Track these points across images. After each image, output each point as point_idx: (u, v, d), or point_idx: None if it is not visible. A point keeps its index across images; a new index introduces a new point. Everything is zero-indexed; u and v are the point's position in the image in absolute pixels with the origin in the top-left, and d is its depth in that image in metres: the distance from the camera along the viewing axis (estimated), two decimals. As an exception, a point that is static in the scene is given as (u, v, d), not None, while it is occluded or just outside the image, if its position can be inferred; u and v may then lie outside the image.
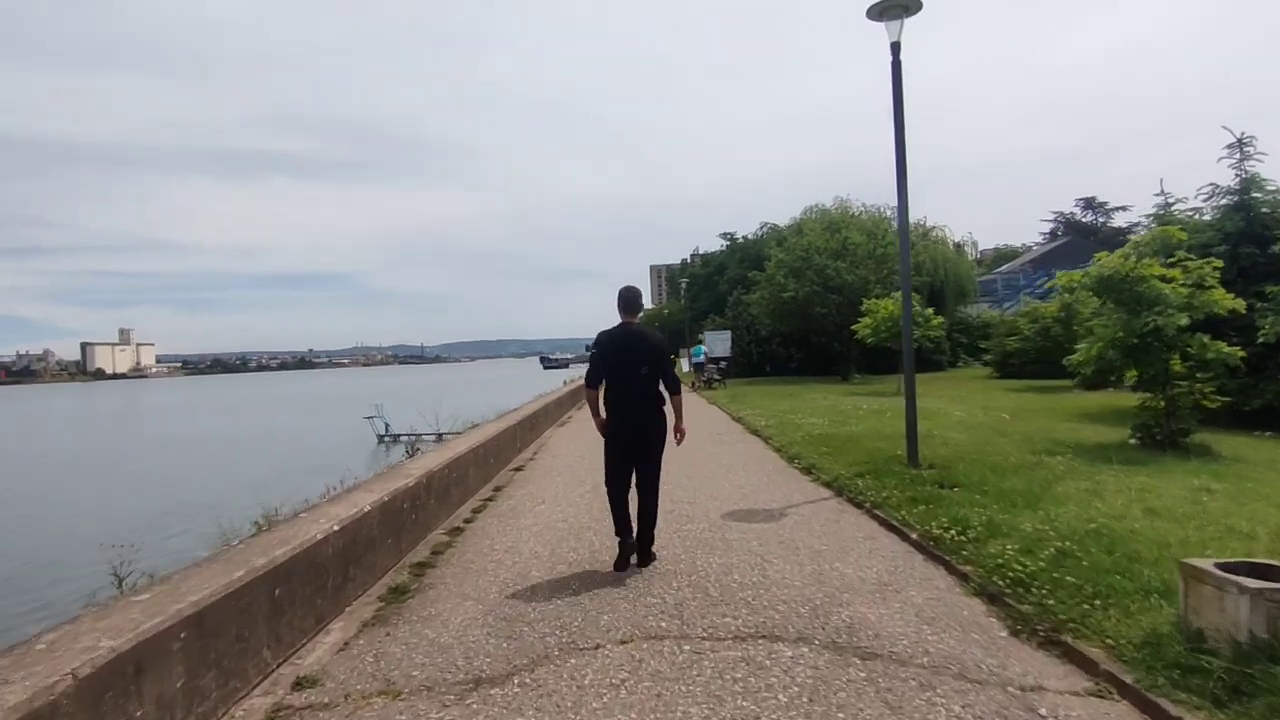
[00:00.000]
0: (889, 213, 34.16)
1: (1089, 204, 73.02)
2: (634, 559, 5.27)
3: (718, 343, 34.27)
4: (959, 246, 39.43)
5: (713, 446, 11.65)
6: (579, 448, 12.23)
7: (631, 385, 5.21)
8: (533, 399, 18.92)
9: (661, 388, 5.29)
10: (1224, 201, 13.60)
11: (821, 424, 12.77)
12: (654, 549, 5.41)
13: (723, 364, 27.81)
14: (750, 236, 45.37)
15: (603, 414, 5.39)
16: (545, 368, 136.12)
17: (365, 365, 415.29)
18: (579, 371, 50.95)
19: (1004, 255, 72.29)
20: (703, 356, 27.93)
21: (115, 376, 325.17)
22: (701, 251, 62.89)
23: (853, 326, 22.06)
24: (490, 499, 8.57)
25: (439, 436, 33.57)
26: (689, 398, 23.45)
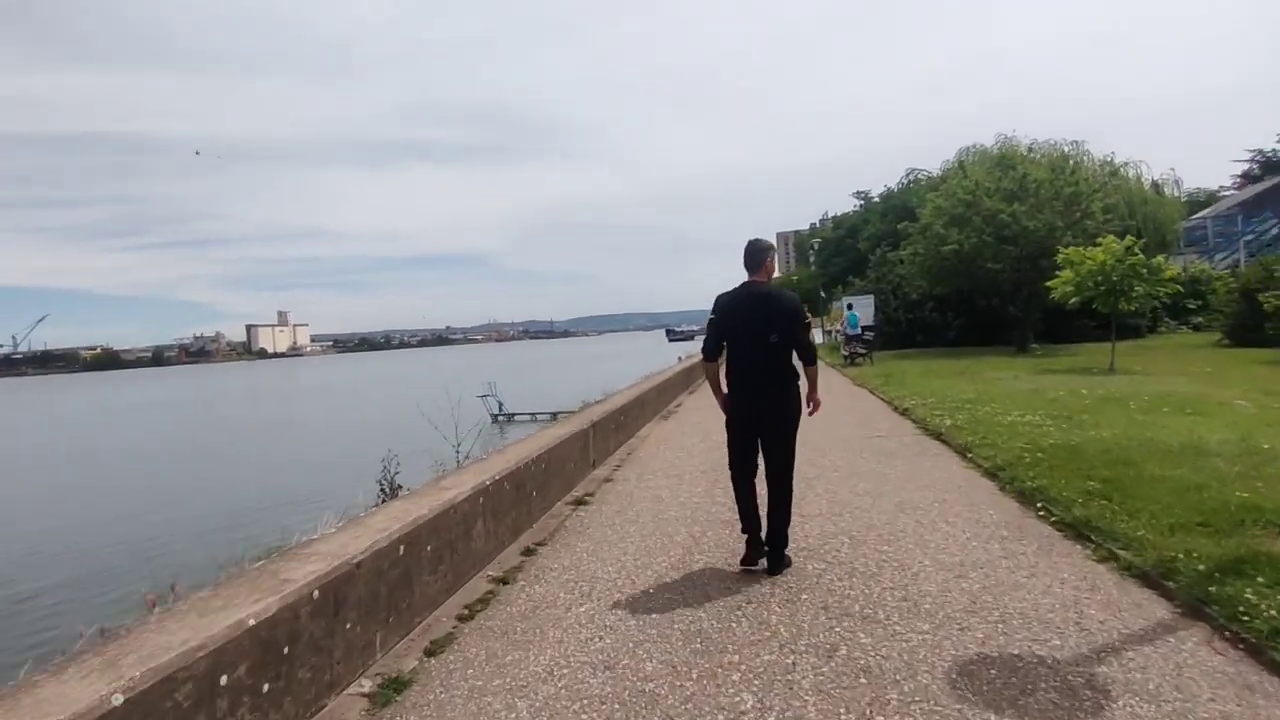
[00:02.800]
0: (1067, 149, 28.10)
1: None
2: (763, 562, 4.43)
3: (859, 309, 29.52)
4: (1157, 186, 32.48)
5: (876, 462, 7.63)
6: (678, 464, 8.51)
7: (758, 356, 4.37)
8: (631, 383, 15.37)
9: (795, 359, 4.40)
10: None
11: (1040, 422, 8.46)
12: (788, 551, 4.52)
13: (868, 335, 23.19)
14: (893, 188, 39.59)
15: (724, 389, 4.61)
16: (670, 340, 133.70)
17: (498, 341, 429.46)
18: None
19: (1197, 201, 62.17)
20: (858, 326, 23.29)
21: (275, 355, 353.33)
22: (831, 215, 57.22)
23: (1047, 284, 17.00)
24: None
25: (554, 416, 31.81)
26: (828, 376, 19.34)
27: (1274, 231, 33.92)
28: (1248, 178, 60.47)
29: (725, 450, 4.65)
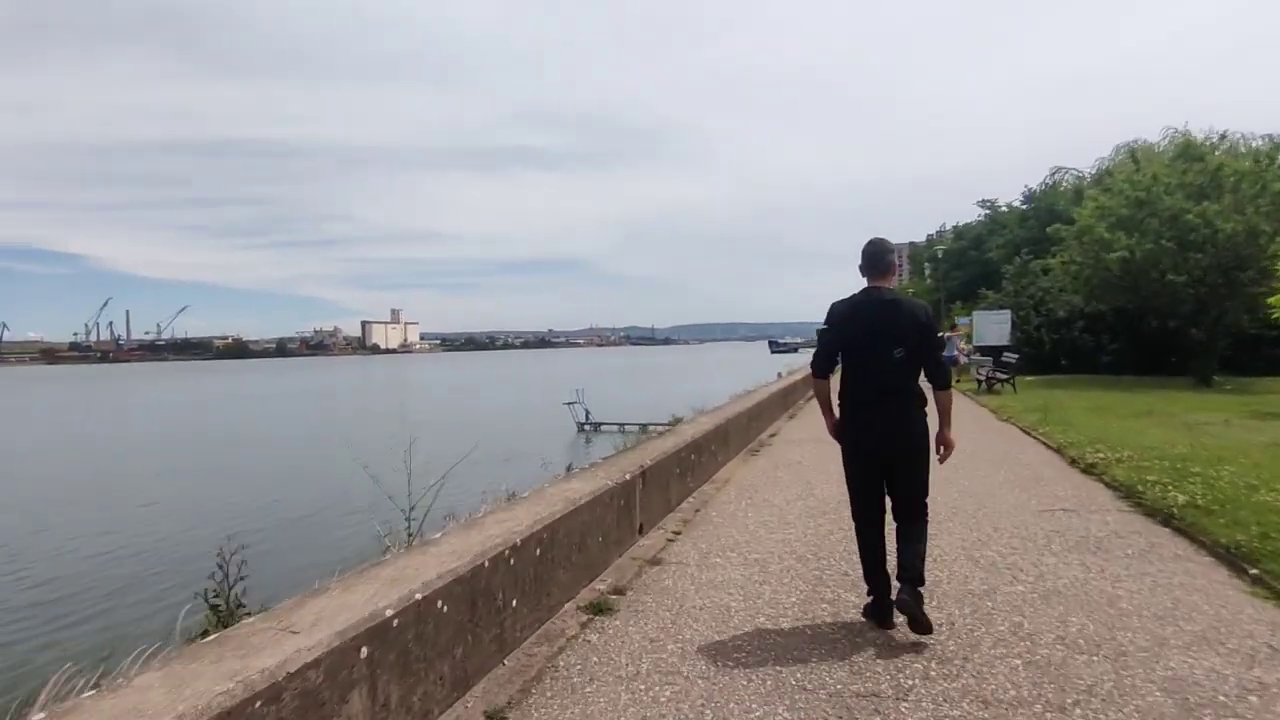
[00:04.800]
0: (1257, 144, 23.23)
1: None
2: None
3: (991, 326, 25.62)
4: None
5: (1081, 568, 4.59)
6: (764, 537, 5.77)
7: (881, 373, 3.73)
8: (717, 404, 12.70)
9: (923, 379, 3.78)
10: None
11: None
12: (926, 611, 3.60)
13: (1009, 357, 19.45)
14: (1034, 188, 34.77)
15: (836, 412, 3.98)
16: (773, 352, 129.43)
17: (599, 345, 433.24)
18: (807, 357, 44.08)
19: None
20: (957, 350, 19.53)
21: (387, 351, 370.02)
22: (950, 225, 52.48)
23: (1270, 300, 13.16)
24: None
25: (643, 428, 29.87)
26: (960, 405, 15.96)
27: None
28: None
29: (833, 515, 4.41)
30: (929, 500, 3.90)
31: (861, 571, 3.96)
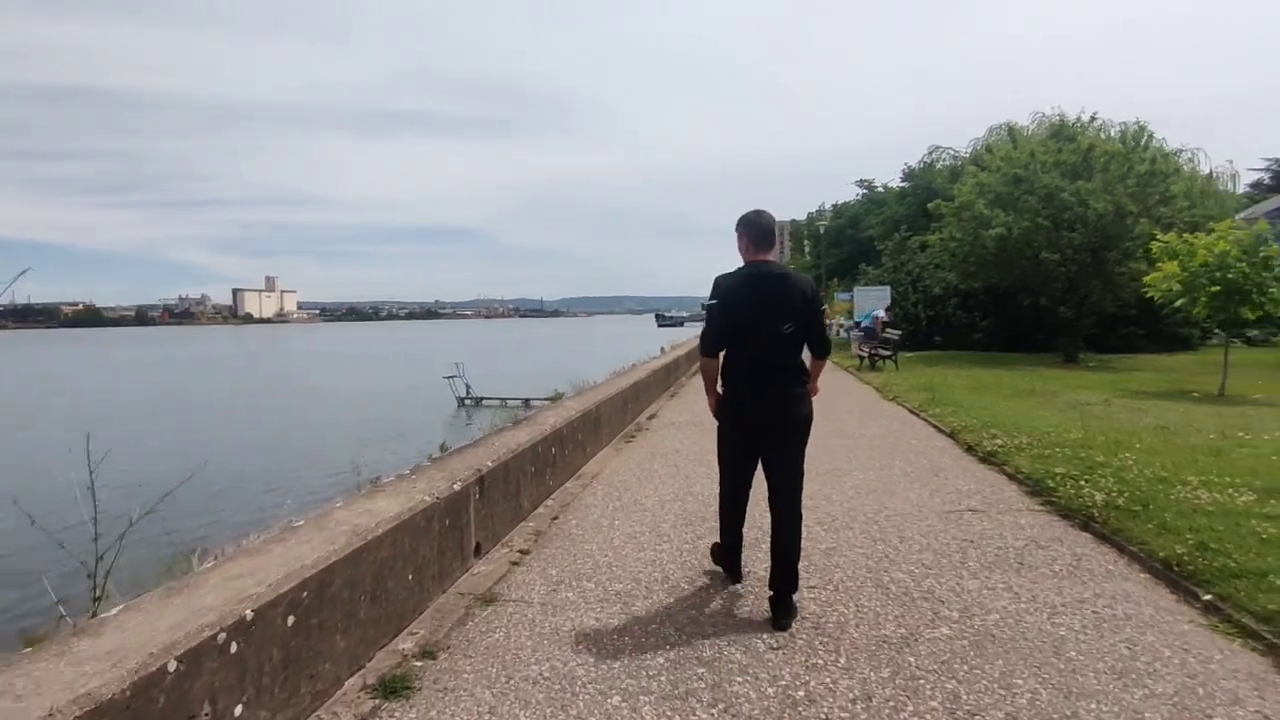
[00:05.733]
0: (1114, 131, 24.12)
1: None
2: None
3: (871, 302, 25.72)
4: (1213, 178, 28.75)
5: (1010, 596, 3.78)
6: (633, 555, 4.65)
7: (769, 349, 3.64)
8: (588, 385, 11.62)
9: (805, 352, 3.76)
10: None
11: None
12: (795, 597, 3.64)
13: (892, 333, 19.30)
14: (914, 165, 35.38)
15: (720, 389, 3.86)
16: (660, 325, 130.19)
17: (487, 317, 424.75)
18: (694, 331, 44.41)
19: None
20: (873, 320, 19.38)
21: (261, 321, 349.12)
22: (830, 204, 53.48)
23: (1147, 280, 13.21)
24: None
25: (526, 403, 28.71)
26: (847, 386, 15.54)
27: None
28: (1259, 187, 57.98)
29: (712, 523, 4.07)
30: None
31: (720, 538, 4.06)
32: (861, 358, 18.87)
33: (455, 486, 4.27)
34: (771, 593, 3.63)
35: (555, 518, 5.55)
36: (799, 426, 3.70)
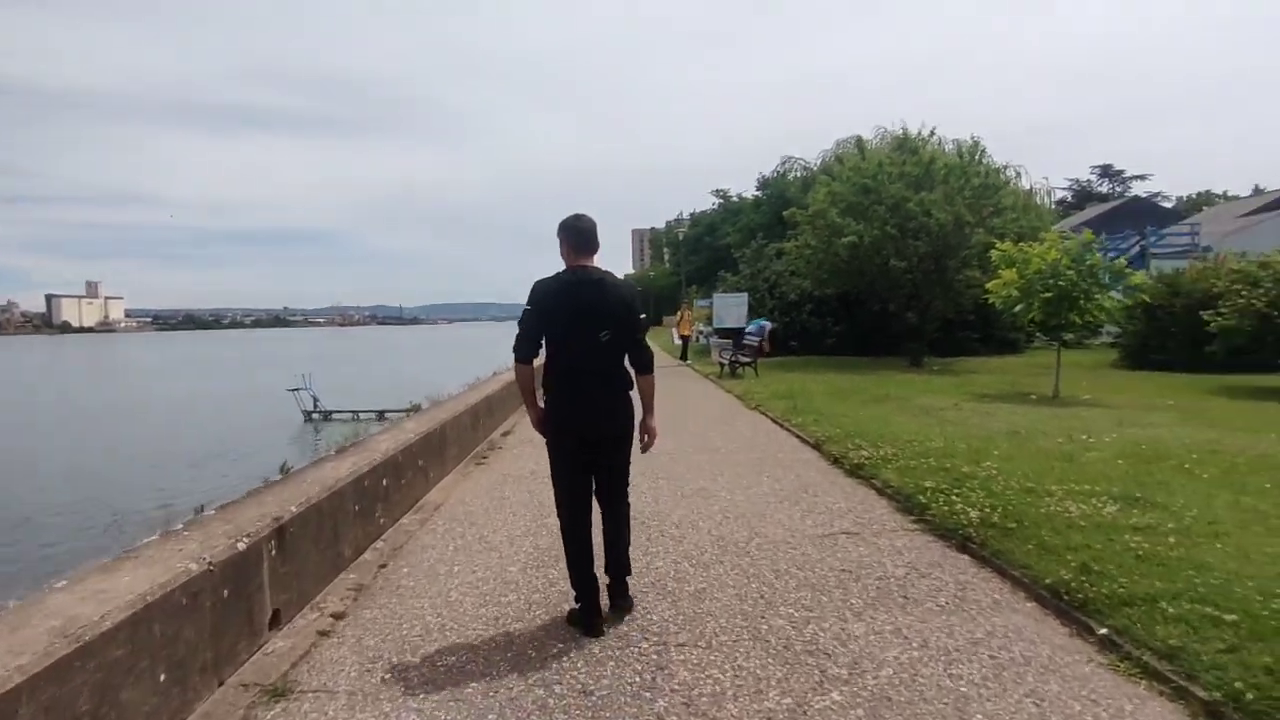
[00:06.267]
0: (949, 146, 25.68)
1: (1105, 172, 72.50)
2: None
3: (730, 308, 25.99)
4: (1032, 193, 31.16)
5: (900, 643, 3.34)
6: (474, 633, 3.88)
7: (587, 357, 3.60)
8: (428, 405, 10.69)
9: (627, 362, 3.72)
10: None
11: (1153, 524, 4.61)
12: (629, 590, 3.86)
13: (751, 339, 19.38)
14: (770, 175, 36.33)
15: (540, 402, 3.80)
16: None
17: (341, 325, 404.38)
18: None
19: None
20: (762, 329, 19.38)
21: (82, 330, 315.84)
22: (688, 213, 54.55)
23: (989, 286, 13.75)
24: None
25: (380, 415, 27.02)
26: (706, 392, 15.39)
27: (1135, 250, 33.70)
28: (1063, 204, 64.83)
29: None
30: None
31: (570, 578, 3.71)
32: (722, 365, 18.82)
33: (240, 545, 3.38)
34: (608, 579, 3.78)
35: (383, 565, 4.70)
36: (620, 435, 3.71)
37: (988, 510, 5.00)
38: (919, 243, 18.56)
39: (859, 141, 22.54)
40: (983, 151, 20.33)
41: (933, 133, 21.10)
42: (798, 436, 9.27)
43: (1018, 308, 12.90)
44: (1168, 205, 65.15)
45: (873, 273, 19.70)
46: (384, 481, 5.49)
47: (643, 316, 3.82)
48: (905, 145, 20.80)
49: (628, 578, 3.89)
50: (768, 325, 20.89)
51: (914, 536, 4.99)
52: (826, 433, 8.74)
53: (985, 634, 3.44)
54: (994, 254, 13.61)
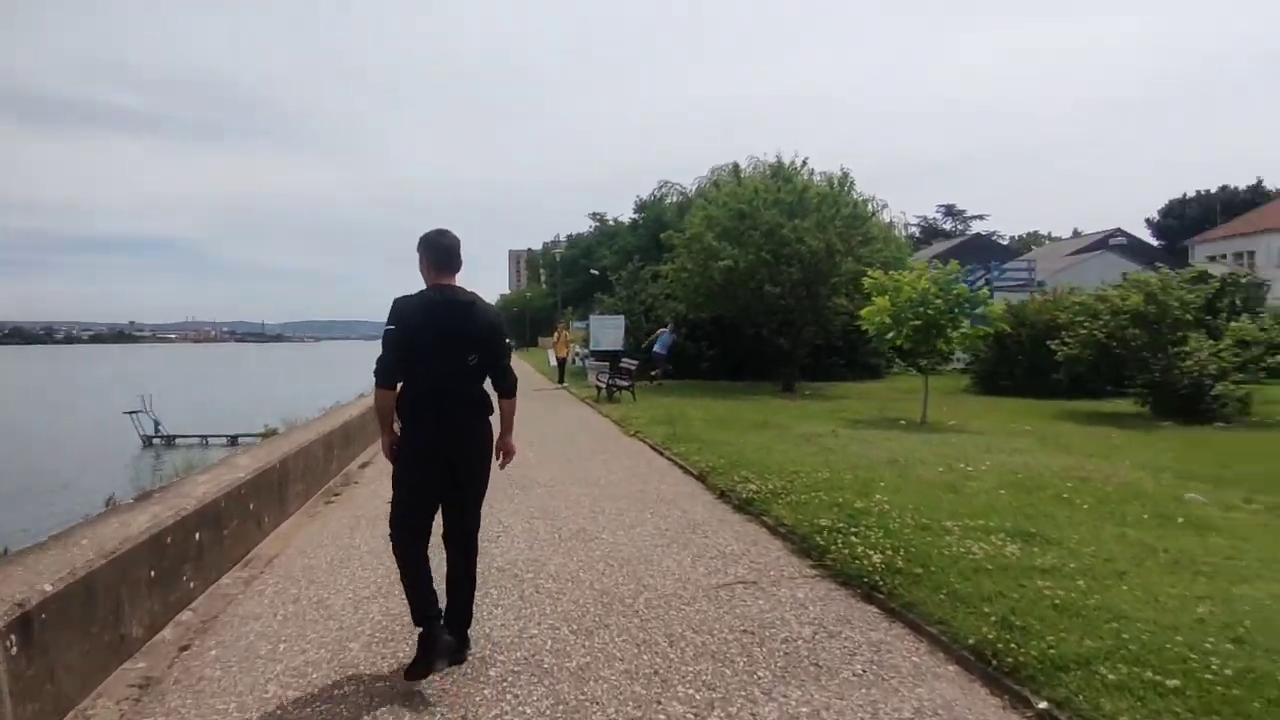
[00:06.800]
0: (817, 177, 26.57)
1: (949, 211, 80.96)
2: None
3: (607, 331, 25.59)
4: (892, 225, 32.73)
5: None
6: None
7: (451, 381, 3.43)
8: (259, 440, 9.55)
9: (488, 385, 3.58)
10: None
11: (1055, 564, 4.37)
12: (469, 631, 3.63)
13: (629, 362, 18.99)
14: (647, 199, 36.35)
15: (396, 428, 3.51)
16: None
17: (196, 341, 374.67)
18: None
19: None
20: (665, 347, 19.33)
21: None
22: (565, 235, 54.34)
23: (863, 313, 13.91)
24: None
25: (234, 440, 24.88)
26: (583, 417, 14.75)
27: (981, 282, 36.14)
28: (912, 239, 69.82)
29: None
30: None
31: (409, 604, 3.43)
32: (599, 388, 18.29)
33: None
34: (448, 635, 3.45)
35: (186, 646, 3.77)
36: (476, 464, 3.56)
37: (890, 553, 4.65)
38: (792, 269, 18.82)
39: (735, 168, 22.80)
40: (851, 183, 20.96)
41: (805, 163, 21.61)
42: (680, 466, 8.81)
43: (889, 334, 13.13)
44: (1004, 243, 71.31)
45: (747, 297, 19.81)
46: (197, 535, 4.52)
47: (508, 341, 3.77)
48: (780, 173, 21.17)
49: (467, 629, 3.63)
50: (673, 337, 20.89)
51: (816, 585, 4.56)
52: (710, 462, 8.33)
53: (914, 712, 2.99)
54: (866, 281, 13.84)
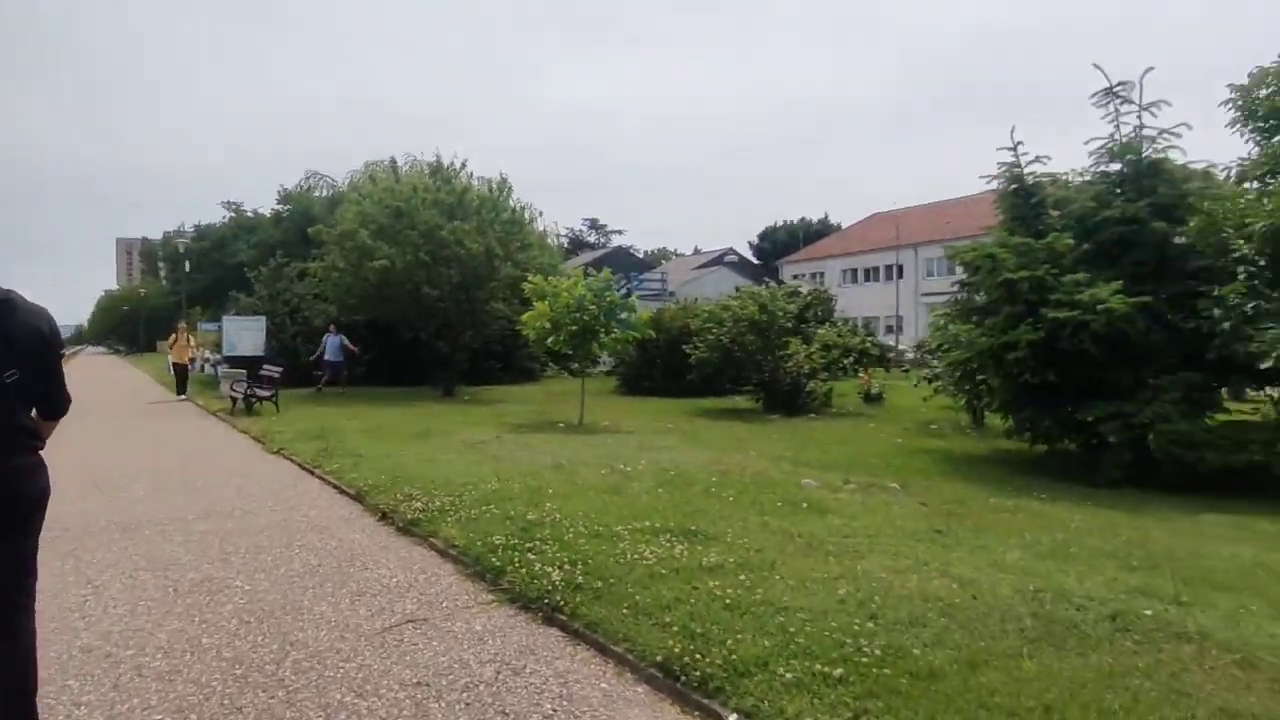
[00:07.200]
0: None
1: (593, 224, 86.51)
2: None
3: (244, 334, 22.56)
4: (545, 233, 33.81)
5: None
6: None
7: None
8: None
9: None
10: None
11: (830, 607, 4.59)
12: None
13: (273, 370, 16.76)
14: (293, 189, 32.66)
15: None
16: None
17: None
18: None
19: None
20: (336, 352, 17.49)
21: None
22: (192, 224, 47.30)
23: (525, 318, 13.82)
24: None
25: None
26: (217, 432, 12.59)
27: (624, 291, 38.98)
28: (560, 249, 74.11)
29: None
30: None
31: None
32: (234, 400, 15.95)
33: None
34: None
35: None
36: (26, 511, 2.68)
37: (568, 567, 4.49)
38: (451, 271, 18.30)
39: (393, 163, 21.53)
40: (510, 189, 21.06)
41: (465, 164, 21.20)
42: (334, 486, 7.88)
43: (550, 339, 13.33)
44: (640, 256, 78.42)
45: (404, 300, 18.84)
46: None
47: (63, 354, 3.19)
48: (440, 173, 20.47)
49: None
50: (340, 338, 19.16)
51: (494, 614, 4.21)
52: (369, 480, 7.55)
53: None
54: (527, 287, 13.91)
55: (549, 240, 34.45)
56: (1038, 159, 10.92)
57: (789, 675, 3.05)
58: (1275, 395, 9.70)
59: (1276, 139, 10.50)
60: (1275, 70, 10.39)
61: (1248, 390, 10.11)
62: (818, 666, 3.10)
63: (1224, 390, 9.75)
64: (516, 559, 4.74)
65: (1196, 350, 8.87)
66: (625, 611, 3.85)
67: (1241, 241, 9.22)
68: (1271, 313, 8.29)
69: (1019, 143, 10.85)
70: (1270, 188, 9.88)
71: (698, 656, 3.29)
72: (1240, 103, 10.57)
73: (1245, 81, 10.55)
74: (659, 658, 3.37)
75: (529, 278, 14.19)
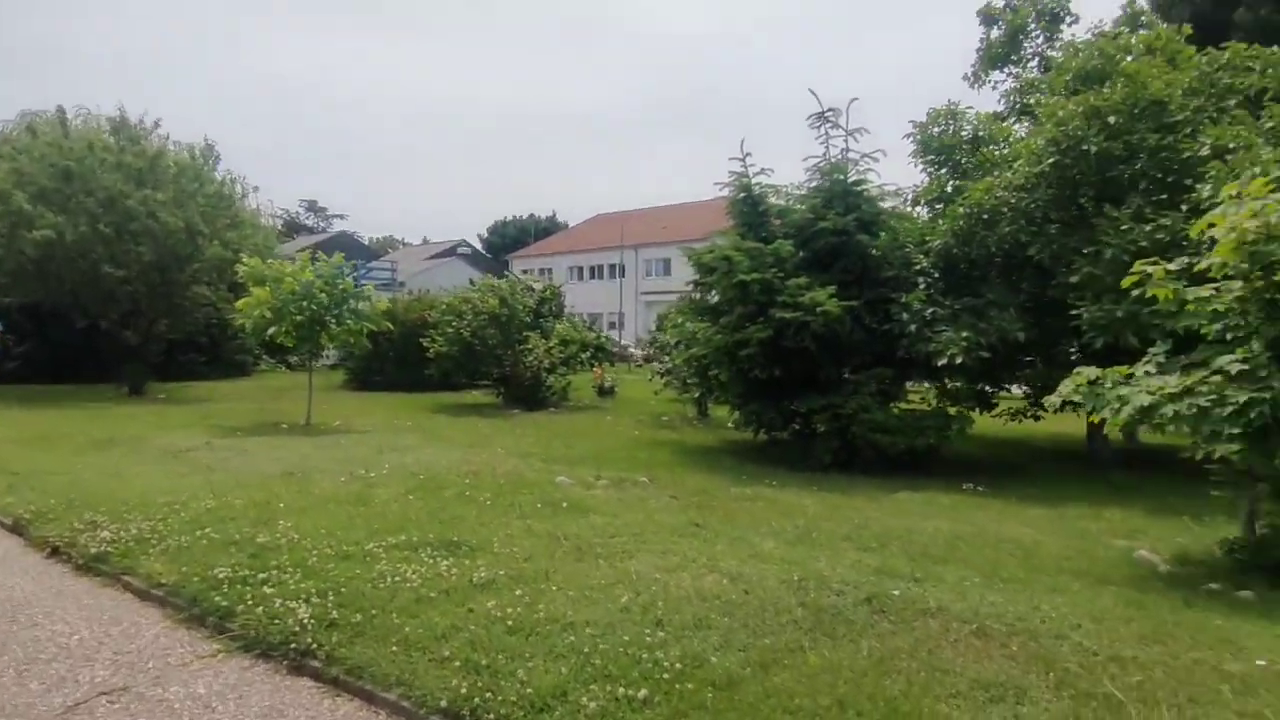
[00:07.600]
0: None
1: (311, 206, 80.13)
2: None
3: None
4: (258, 211, 30.35)
5: None
6: None
7: None
8: None
9: None
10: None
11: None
12: None
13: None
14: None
15: None
16: None
17: None
18: None
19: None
20: None
21: None
22: None
23: (239, 305, 12.02)
24: None
25: None
26: None
27: (355, 278, 36.41)
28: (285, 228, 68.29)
29: None
30: None
31: None
32: None
33: None
34: None
35: None
36: None
37: (318, 600, 3.90)
38: (142, 249, 15.57)
39: (61, 114, 17.66)
40: (217, 158, 18.50)
41: (158, 124, 18.17)
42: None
43: (271, 330, 11.85)
44: (365, 242, 73.97)
45: (77, 280, 15.69)
46: None
47: None
48: (123, 131, 17.29)
49: None
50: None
51: (223, 668, 3.50)
52: (33, 505, 6.07)
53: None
54: (242, 270, 12.24)
55: (263, 220, 30.99)
56: (763, 170, 11.84)
57: (592, 704, 2.85)
58: (935, 388, 11.47)
59: (944, 171, 12.48)
60: (945, 112, 12.30)
61: (925, 384, 11.85)
62: (620, 690, 2.94)
63: (908, 384, 11.34)
64: (249, 594, 4.01)
65: (888, 349, 10.15)
66: (394, 648, 3.39)
67: (921, 256, 10.83)
68: (945, 318, 9.75)
69: (748, 154, 11.67)
70: (939, 211, 11.73)
71: (488, 695, 2.96)
72: (919, 136, 12.37)
73: (924, 119, 12.37)
74: (442, 702, 2.98)
75: (243, 259, 12.48)
